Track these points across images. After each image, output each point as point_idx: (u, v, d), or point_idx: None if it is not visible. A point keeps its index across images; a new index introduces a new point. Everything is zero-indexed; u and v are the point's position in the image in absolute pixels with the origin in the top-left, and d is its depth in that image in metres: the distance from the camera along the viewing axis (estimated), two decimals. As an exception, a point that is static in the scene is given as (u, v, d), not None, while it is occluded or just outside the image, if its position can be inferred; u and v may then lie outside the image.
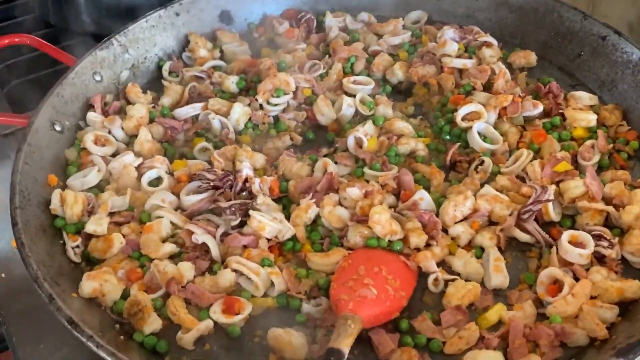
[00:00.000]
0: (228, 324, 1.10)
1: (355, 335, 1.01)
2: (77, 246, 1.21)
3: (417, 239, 1.19)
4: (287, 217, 1.26)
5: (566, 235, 1.17)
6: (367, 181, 1.32)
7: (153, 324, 1.08)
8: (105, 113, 1.48)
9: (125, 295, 1.14)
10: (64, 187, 1.31)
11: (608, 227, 1.22)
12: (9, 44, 1.55)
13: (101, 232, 1.21)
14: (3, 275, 1.30)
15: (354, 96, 1.53)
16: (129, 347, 1.05)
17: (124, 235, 1.21)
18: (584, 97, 1.46)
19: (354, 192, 1.26)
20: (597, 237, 1.18)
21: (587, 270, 1.15)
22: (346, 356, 0.97)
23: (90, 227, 1.21)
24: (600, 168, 1.35)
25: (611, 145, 1.37)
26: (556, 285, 1.12)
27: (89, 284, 1.11)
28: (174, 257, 1.20)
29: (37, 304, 1.22)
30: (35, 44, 1.56)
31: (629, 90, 1.46)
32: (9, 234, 1.34)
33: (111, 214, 1.25)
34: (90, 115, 1.45)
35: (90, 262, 1.21)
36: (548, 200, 1.22)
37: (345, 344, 0.98)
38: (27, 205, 1.20)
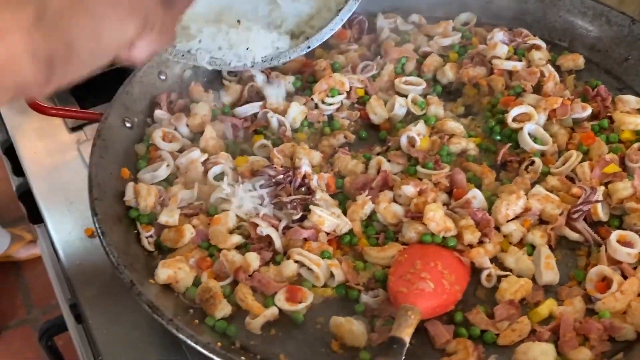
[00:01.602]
0: (292, 311, 1.17)
1: (414, 325, 1.08)
2: (151, 236, 1.29)
3: (471, 235, 1.25)
4: (343, 213, 1.33)
5: (615, 234, 1.22)
6: (420, 179, 1.39)
7: (224, 309, 1.16)
8: (170, 110, 1.57)
9: (196, 282, 1.22)
10: (135, 180, 1.40)
11: (655, 228, 1.27)
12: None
13: (173, 223, 1.29)
14: (78, 262, 1.39)
15: (406, 96, 1.59)
16: (202, 330, 1.14)
17: (193, 226, 1.30)
18: (631, 101, 1.50)
19: (408, 189, 1.32)
20: (645, 237, 1.23)
21: (635, 268, 1.20)
22: (407, 344, 1.04)
23: (162, 218, 1.29)
24: (646, 170, 1.39)
25: (659, 148, 1.41)
26: (604, 283, 1.17)
27: (164, 271, 1.19)
28: (239, 248, 1.28)
29: (110, 290, 1.33)
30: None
31: (676, 94, 1.50)
32: (82, 224, 1.45)
33: (180, 206, 1.33)
34: (158, 112, 1.54)
35: (162, 251, 1.29)
36: (597, 201, 1.27)
37: (406, 333, 1.05)
38: (104, 197, 1.28)
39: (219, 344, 1.06)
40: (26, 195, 1.66)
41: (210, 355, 1.02)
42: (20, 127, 1.73)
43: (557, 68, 1.66)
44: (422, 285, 1.13)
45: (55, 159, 1.62)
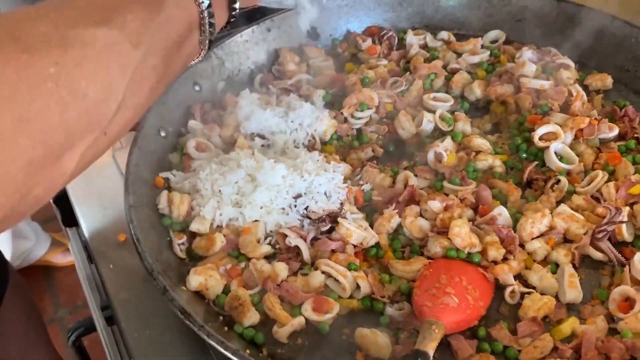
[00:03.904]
0: (318, 322, 1.20)
1: (439, 339, 1.10)
2: (183, 243, 1.33)
3: (496, 252, 1.27)
4: (370, 226, 1.36)
5: (639, 255, 1.24)
6: (446, 195, 1.41)
7: (252, 317, 1.20)
8: (204, 121, 1.61)
9: (226, 290, 1.26)
10: (169, 188, 1.44)
11: (680, 250, 1.28)
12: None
13: (204, 231, 1.33)
14: (111, 266, 1.43)
15: (434, 112, 1.61)
16: (230, 337, 1.17)
17: (224, 235, 1.33)
18: (660, 121, 1.51)
19: (435, 205, 1.35)
20: (669, 259, 1.24)
21: (659, 290, 1.21)
22: (431, 358, 1.06)
23: (194, 226, 1.33)
24: (673, 192, 1.40)
25: (685, 171, 1.42)
26: (627, 303, 1.19)
27: (196, 278, 1.23)
28: (268, 258, 1.32)
29: (142, 294, 1.37)
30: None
31: None
32: (115, 229, 1.50)
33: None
34: (191, 123, 1.58)
35: (194, 258, 1.33)
36: (622, 222, 1.29)
37: (430, 347, 1.07)
38: (139, 205, 1.33)
39: (248, 351, 1.09)
40: (61, 199, 1.72)
41: (236, 359, 1.05)
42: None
43: (585, 88, 1.68)
44: (446, 300, 1.16)
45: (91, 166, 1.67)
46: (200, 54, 1.09)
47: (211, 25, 1.03)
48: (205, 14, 1.01)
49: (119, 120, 0.86)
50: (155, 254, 1.25)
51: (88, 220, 1.56)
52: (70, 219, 1.70)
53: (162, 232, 1.36)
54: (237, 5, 1.12)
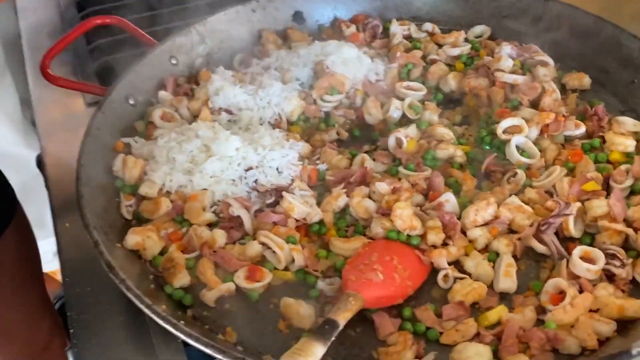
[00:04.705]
0: (248, 289, 1.21)
1: (353, 311, 1.10)
2: (130, 205, 1.36)
3: (435, 236, 1.26)
4: (320, 204, 1.37)
5: (579, 250, 1.21)
6: (400, 179, 1.40)
7: (182, 279, 1.22)
8: (176, 93, 1.64)
9: (164, 252, 1.28)
10: (130, 154, 1.47)
11: (626, 249, 1.25)
12: (100, 24, 1.73)
13: (152, 194, 1.36)
14: (67, 225, 1.46)
15: (404, 100, 1.61)
16: (158, 296, 1.19)
17: (171, 201, 1.36)
18: (628, 123, 1.48)
19: (382, 186, 1.35)
20: (611, 256, 1.21)
21: (595, 285, 1.18)
22: (340, 327, 1.06)
23: (143, 189, 1.36)
24: (632, 193, 1.37)
25: (645, 172, 1.38)
26: (560, 295, 1.16)
27: (133, 237, 1.25)
28: (212, 226, 1.33)
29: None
30: (122, 25, 1.74)
31: (675, 121, 1.47)
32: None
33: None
34: (162, 93, 1.61)
35: (141, 222, 1.35)
36: (567, 215, 1.26)
37: (342, 317, 1.07)
38: (92, 164, 1.36)
39: (164, 306, 1.10)
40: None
41: (149, 313, 1.06)
42: (42, 100, 1.83)
43: (563, 86, 1.66)
44: (371, 276, 1.16)
45: (69, 129, 1.69)
46: None
47: None
48: None
49: None
50: (98, 212, 1.27)
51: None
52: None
53: (113, 194, 1.39)
54: None
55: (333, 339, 1.04)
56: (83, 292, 1.31)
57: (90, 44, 1.98)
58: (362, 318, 1.17)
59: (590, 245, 1.27)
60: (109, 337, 1.21)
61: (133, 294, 1.09)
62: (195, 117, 1.59)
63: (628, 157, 1.43)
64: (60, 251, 1.41)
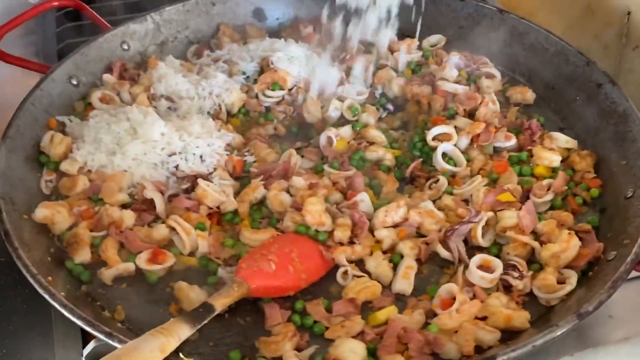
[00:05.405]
0: (147, 271, 1.22)
1: (235, 298, 1.11)
2: (50, 181, 1.39)
3: (341, 233, 1.27)
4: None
5: (478, 258, 1.21)
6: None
7: (83, 255, 1.24)
8: (121, 78, 1.66)
9: (72, 228, 1.29)
10: (63, 132, 1.49)
11: (532, 262, 1.24)
12: (57, 6, 1.77)
13: (72, 172, 1.38)
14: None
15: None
16: (55, 271, 1.20)
17: (90, 180, 1.37)
18: (561, 139, 1.47)
19: (299, 181, 1.36)
20: (512, 267, 1.21)
21: (490, 294, 1.18)
22: (216, 312, 1.07)
23: (64, 166, 1.38)
24: (552, 208, 1.36)
25: (565, 188, 1.37)
26: (452, 301, 1.15)
27: (42, 211, 1.27)
28: (126, 207, 1.34)
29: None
30: (81, 9, 1.78)
31: (608, 141, 1.45)
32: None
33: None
34: (106, 76, 1.63)
35: (59, 197, 1.37)
36: (473, 222, 1.26)
37: (219, 302, 1.08)
38: (18, 137, 1.38)
39: (50, 278, 1.11)
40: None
41: (33, 282, 1.08)
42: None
43: (508, 99, 1.65)
44: (263, 265, 1.16)
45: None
46: None
47: None
48: None
49: None
50: (13, 182, 1.30)
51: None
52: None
53: (37, 170, 1.40)
54: None
55: (205, 322, 1.05)
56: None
57: (59, 28, 2.02)
58: (255, 308, 1.18)
59: (497, 255, 1.26)
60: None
61: (22, 263, 1.11)
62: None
63: (553, 172, 1.42)
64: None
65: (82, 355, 1.14)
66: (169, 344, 0.96)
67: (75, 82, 1.60)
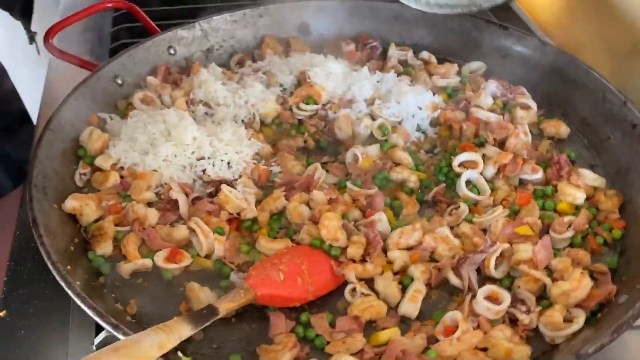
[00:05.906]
0: (163, 268, 1.27)
1: (240, 303, 1.14)
2: (85, 174, 1.45)
3: (354, 250, 1.29)
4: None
5: (486, 288, 1.21)
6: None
7: (105, 247, 1.29)
8: (165, 81, 1.72)
9: (99, 221, 1.35)
10: (103, 129, 1.55)
11: (543, 298, 1.24)
12: (110, 8, 1.85)
13: (105, 167, 1.44)
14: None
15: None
16: (78, 260, 1.26)
17: (122, 177, 1.43)
18: (588, 177, 1.45)
19: (319, 195, 1.38)
20: (521, 301, 1.20)
21: (494, 326, 1.17)
22: (219, 315, 1.10)
23: (98, 161, 1.45)
24: (572, 246, 1.35)
25: (587, 226, 1.35)
26: (455, 328, 1.16)
27: (71, 202, 1.33)
28: (152, 205, 1.40)
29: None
30: (132, 11, 1.85)
31: (637, 182, 1.43)
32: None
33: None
34: (150, 78, 1.70)
35: (92, 190, 1.44)
36: (486, 252, 1.26)
37: (224, 306, 1.11)
38: (58, 130, 1.45)
39: (69, 267, 1.17)
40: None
41: (52, 268, 1.14)
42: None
43: (541, 132, 1.65)
44: (272, 274, 1.19)
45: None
46: None
47: None
48: None
49: None
50: (46, 172, 1.36)
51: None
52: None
53: (72, 162, 1.47)
54: None
55: (208, 324, 1.08)
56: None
57: (114, 28, 2.11)
58: (262, 315, 1.21)
59: (509, 288, 1.26)
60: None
61: (44, 250, 1.17)
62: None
63: (576, 210, 1.40)
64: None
65: (93, 345, 1.18)
66: (168, 342, 1.00)
67: (120, 82, 1.67)
